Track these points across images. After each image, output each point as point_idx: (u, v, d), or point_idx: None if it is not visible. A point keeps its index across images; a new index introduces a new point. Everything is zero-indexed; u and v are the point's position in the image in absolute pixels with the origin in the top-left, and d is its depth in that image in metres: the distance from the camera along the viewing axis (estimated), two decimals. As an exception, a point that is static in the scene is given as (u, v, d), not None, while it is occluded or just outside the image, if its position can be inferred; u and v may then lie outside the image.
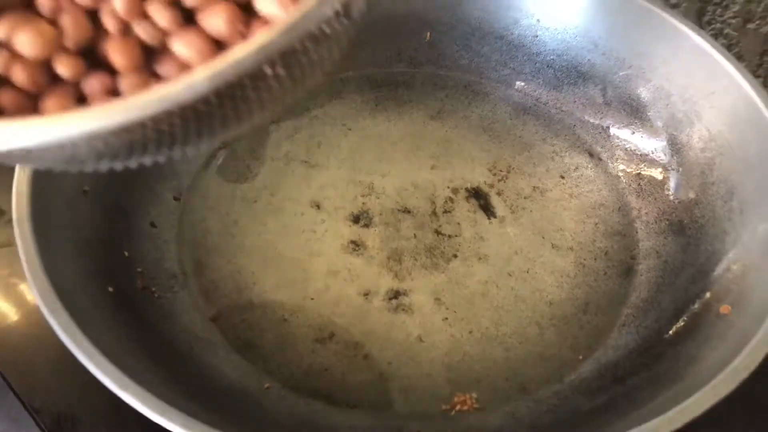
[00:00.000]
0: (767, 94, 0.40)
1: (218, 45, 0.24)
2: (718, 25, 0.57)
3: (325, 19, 0.23)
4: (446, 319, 0.40)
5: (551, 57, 0.50)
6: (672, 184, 0.44)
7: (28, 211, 0.34)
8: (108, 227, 0.40)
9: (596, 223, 0.45)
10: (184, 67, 0.24)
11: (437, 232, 0.44)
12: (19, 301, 0.43)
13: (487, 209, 0.46)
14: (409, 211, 0.45)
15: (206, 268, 0.42)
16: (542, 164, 0.48)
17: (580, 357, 0.39)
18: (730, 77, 0.41)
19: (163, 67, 0.24)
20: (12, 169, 0.36)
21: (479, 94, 0.51)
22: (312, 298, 0.41)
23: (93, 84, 0.24)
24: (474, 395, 0.37)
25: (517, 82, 0.51)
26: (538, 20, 0.49)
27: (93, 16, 0.24)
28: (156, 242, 0.42)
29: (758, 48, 0.56)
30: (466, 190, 0.46)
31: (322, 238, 0.44)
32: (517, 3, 0.50)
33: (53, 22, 0.24)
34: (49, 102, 0.23)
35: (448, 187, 0.46)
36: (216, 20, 0.23)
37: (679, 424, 0.28)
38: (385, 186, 0.46)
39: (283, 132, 0.49)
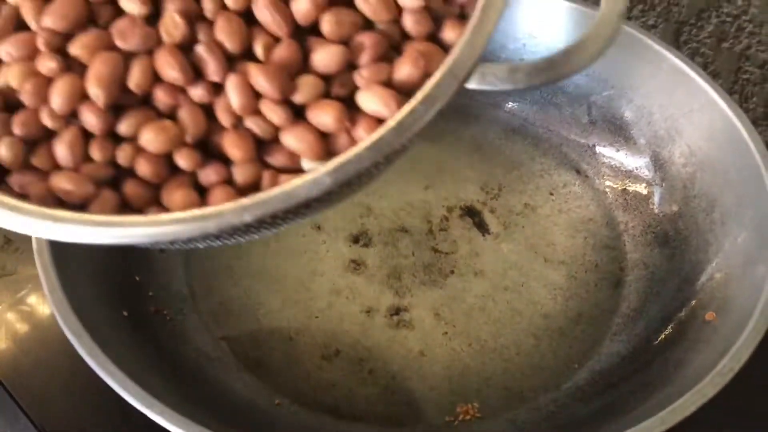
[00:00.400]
0: (742, 112, 0.42)
1: (324, 137, 0.26)
2: (694, 45, 0.59)
3: (431, 117, 0.24)
4: (446, 333, 0.42)
5: (537, 80, 0.52)
6: (656, 198, 0.47)
7: (47, 241, 0.36)
8: (119, 253, 0.42)
9: (585, 237, 0.47)
10: (294, 157, 0.26)
11: (434, 250, 0.46)
12: (27, 327, 0.44)
13: (481, 226, 0.48)
14: (406, 230, 0.47)
15: (214, 291, 0.44)
16: (532, 182, 0.50)
17: (575, 365, 0.41)
18: (707, 96, 0.44)
19: (275, 158, 0.26)
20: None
21: (470, 116, 0.53)
22: (317, 317, 0.43)
23: (210, 174, 0.26)
24: (475, 405, 0.39)
25: (506, 104, 0.53)
26: (523, 44, 0.52)
27: (207, 110, 0.26)
28: (165, 267, 0.44)
29: (733, 66, 0.59)
30: (460, 208, 0.48)
31: (323, 259, 0.46)
32: (503, 28, 0.52)
33: (171, 116, 0.26)
34: (175, 195, 0.25)
35: (443, 206, 0.48)
36: (325, 117, 0.25)
37: (669, 425, 0.30)
38: (382, 207, 0.48)
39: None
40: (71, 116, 0.26)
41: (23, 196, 0.25)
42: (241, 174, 0.26)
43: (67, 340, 0.33)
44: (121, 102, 0.26)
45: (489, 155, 0.51)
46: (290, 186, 0.24)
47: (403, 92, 0.25)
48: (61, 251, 0.36)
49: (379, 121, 0.25)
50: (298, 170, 0.26)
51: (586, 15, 0.48)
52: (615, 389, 0.38)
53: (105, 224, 0.24)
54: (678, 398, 0.31)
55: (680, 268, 0.42)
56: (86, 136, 0.26)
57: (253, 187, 0.26)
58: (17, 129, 0.26)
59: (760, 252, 0.38)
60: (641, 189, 0.48)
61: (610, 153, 0.49)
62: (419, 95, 0.25)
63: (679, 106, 0.45)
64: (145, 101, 0.26)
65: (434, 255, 0.46)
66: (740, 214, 0.40)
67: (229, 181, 0.26)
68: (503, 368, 0.41)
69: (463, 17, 0.27)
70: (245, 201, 0.24)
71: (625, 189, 0.48)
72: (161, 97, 0.26)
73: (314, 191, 0.24)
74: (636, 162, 0.48)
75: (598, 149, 0.50)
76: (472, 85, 0.25)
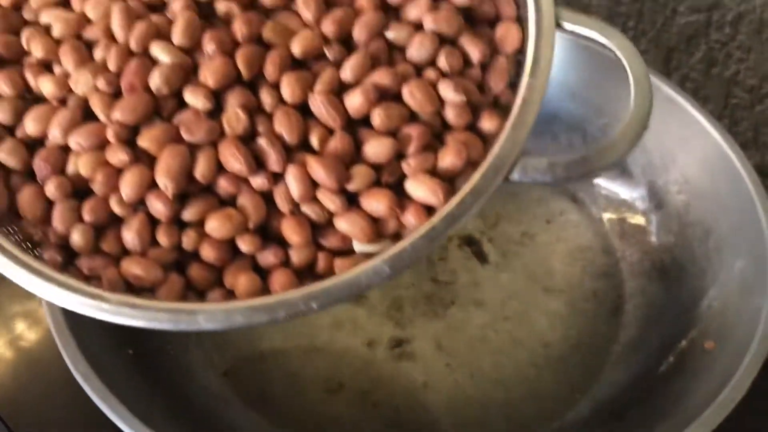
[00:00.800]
0: (733, 141, 0.43)
1: (375, 221, 0.27)
2: (684, 70, 0.60)
3: (478, 208, 0.27)
4: (448, 364, 0.43)
5: (532, 108, 0.53)
6: (652, 226, 0.47)
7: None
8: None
9: (584, 266, 0.47)
10: (346, 240, 0.27)
11: (434, 280, 0.47)
12: (21, 353, 0.44)
13: (480, 255, 0.48)
14: (406, 261, 0.48)
15: (217, 326, 0.44)
16: (529, 210, 0.50)
17: (577, 395, 0.41)
18: (699, 125, 0.44)
19: (329, 241, 0.28)
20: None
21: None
22: (319, 350, 0.43)
23: (269, 257, 0.28)
24: (479, 437, 0.40)
25: (502, 134, 0.54)
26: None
27: (266, 197, 0.28)
28: (167, 302, 0.44)
29: (722, 91, 0.60)
30: (459, 237, 0.49)
31: (325, 291, 0.46)
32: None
33: (232, 203, 0.27)
34: (240, 279, 0.27)
35: (442, 236, 0.49)
36: (377, 204, 0.27)
37: (675, 457, 0.31)
38: (381, 237, 0.49)
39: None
40: (138, 204, 0.27)
41: (91, 279, 0.27)
42: (298, 256, 0.28)
43: (61, 368, 0.33)
44: (185, 189, 0.27)
45: (486, 184, 0.52)
46: (354, 275, 0.26)
47: (446, 179, 0.28)
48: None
49: (427, 208, 0.27)
50: (350, 251, 0.28)
51: (574, 42, 0.48)
52: (618, 420, 0.38)
53: (182, 311, 0.26)
54: (682, 429, 0.32)
55: (678, 295, 0.43)
56: (153, 222, 0.27)
57: (309, 268, 0.28)
58: (87, 216, 0.27)
59: (756, 279, 0.38)
60: (637, 217, 0.48)
61: (605, 181, 0.50)
62: (467, 188, 0.27)
63: (672, 135, 0.46)
64: (208, 188, 0.28)
65: (434, 285, 0.46)
66: (735, 243, 0.41)
67: (286, 263, 0.28)
68: (505, 398, 0.41)
69: (497, 106, 0.29)
70: (312, 289, 0.26)
71: (621, 217, 0.49)
72: (225, 186, 0.27)
73: (375, 279, 0.26)
74: (631, 189, 0.49)
75: (594, 179, 0.50)
76: (514, 177, 0.28)
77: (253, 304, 0.26)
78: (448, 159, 0.27)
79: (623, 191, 0.49)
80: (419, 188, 0.27)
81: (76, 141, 0.27)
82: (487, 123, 0.28)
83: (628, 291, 0.46)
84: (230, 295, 0.27)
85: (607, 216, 0.49)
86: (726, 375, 0.34)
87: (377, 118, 0.27)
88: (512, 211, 0.50)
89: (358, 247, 0.28)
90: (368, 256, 0.27)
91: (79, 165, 0.27)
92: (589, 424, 0.39)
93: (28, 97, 0.29)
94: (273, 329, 0.44)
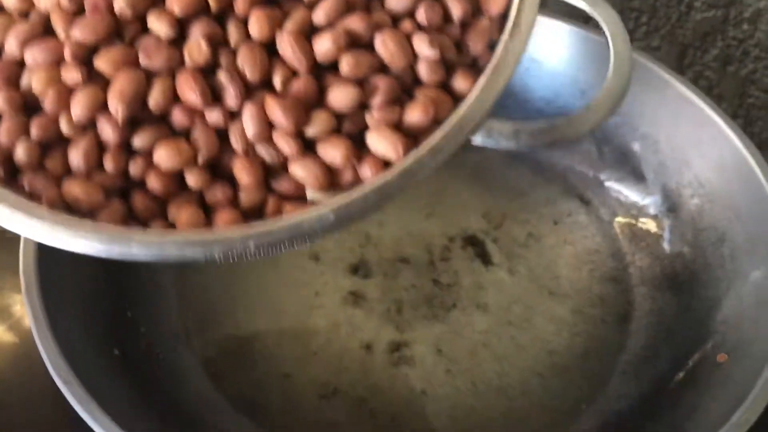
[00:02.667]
0: (751, 143, 0.41)
1: (331, 171, 0.27)
2: (698, 68, 0.59)
3: (435, 167, 0.26)
4: (449, 370, 0.41)
5: (540, 104, 0.51)
6: (665, 231, 0.45)
7: (36, 275, 0.35)
8: (111, 287, 0.40)
9: (591, 270, 0.46)
10: (299, 187, 0.27)
11: (435, 282, 0.45)
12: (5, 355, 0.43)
13: (484, 257, 0.46)
14: (407, 261, 0.46)
15: (208, 326, 0.42)
16: (535, 211, 0.49)
17: (583, 405, 0.40)
18: (716, 126, 0.43)
19: (281, 185, 0.27)
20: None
21: (472, 143, 0.52)
22: (315, 353, 0.42)
23: (217, 194, 0.27)
24: (480, 448, 0.38)
25: (509, 131, 0.52)
26: (526, 68, 0.51)
27: (220, 133, 0.27)
28: (157, 301, 0.43)
29: (738, 90, 0.58)
30: (462, 238, 0.47)
31: (322, 291, 0.44)
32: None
33: (185, 135, 0.27)
34: (182, 212, 0.27)
35: (444, 236, 0.47)
36: (333, 152, 0.26)
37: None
38: (382, 236, 0.47)
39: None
40: (88, 125, 0.27)
41: (32, 197, 0.26)
42: (247, 197, 0.27)
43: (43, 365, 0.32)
44: (137, 115, 0.27)
45: (492, 183, 0.50)
46: (296, 219, 0.25)
47: (410, 136, 0.27)
48: (50, 287, 0.35)
49: (385, 163, 0.26)
50: (302, 198, 0.27)
51: (588, 38, 0.47)
52: (625, 435, 0.37)
53: (116, 237, 0.25)
54: (693, 450, 0.30)
55: (689, 304, 0.41)
56: (100, 145, 0.27)
57: (257, 210, 0.27)
58: (35, 131, 0.26)
59: (773, 291, 0.37)
60: (647, 219, 0.46)
61: (614, 181, 0.48)
62: (426, 145, 0.26)
63: (686, 136, 0.44)
64: (161, 118, 0.27)
65: (435, 287, 0.45)
66: (752, 251, 0.39)
67: (234, 202, 0.27)
68: (508, 408, 0.40)
69: (474, 67, 0.28)
70: (252, 230, 0.25)
71: (630, 220, 0.47)
72: (178, 117, 0.27)
73: (318, 226, 0.25)
74: (642, 191, 0.47)
75: (603, 177, 0.49)
76: (476, 140, 0.27)
77: (188, 237, 0.25)
78: (414, 115, 0.26)
79: (634, 194, 0.47)
80: (380, 141, 0.26)
81: (32, 55, 0.27)
82: (460, 83, 0.27)
83: (637, 297, 0.44)
84: (171, 228, 0.27)
85: (617, 219, 0.48)
86: (741, 392, 0.32)
87: (345, 65, 0.26)
88: (518, 211, 0.49)
89: (311, 194, 0.27)
90: None
91: (33, 80, 0.27)
92: (595, 438, 0.38)
93: None
94: (267, 330, 0.42)
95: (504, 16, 0.28)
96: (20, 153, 0.26)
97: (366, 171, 0.26)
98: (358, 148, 0.27)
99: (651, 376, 0.40)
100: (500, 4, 0.28)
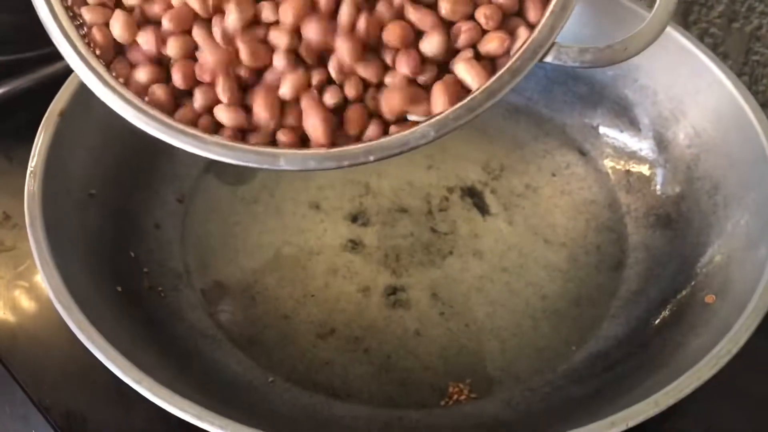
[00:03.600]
0: (749, 93, 0.41)
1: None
2: (704, 25, 0.58)
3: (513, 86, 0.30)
4: (443, 313, 0.42)
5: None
6: (659, 179, 0.46)
7: (40, 214, 0.36)
8: (114, 229, 0.41)
9: (587, 219, 0.46)
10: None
11: (433, 230, 0.46)
12: (25, 302, 0.44)
13: (482, 207, 0.47)
14: (405, 210, 0.47)
15: (210, 268, 0.44)
16: (534, 162, 0.49)
17: (573, 347, 0.40)
18: (714, 75, 0.43)
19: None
20: (16, 175, 0.38)
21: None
22: (312, 295, 0.43)
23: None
24: (470, 385, 0.39)
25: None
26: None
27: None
28: (160, 243, 0.44)
29: (743, 47, 0.58)
30: (461, 189, 0.48)
31: (321, 238, 0.45)
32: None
33: None
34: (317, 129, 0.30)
35: (443, 186, 0.48)
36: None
37: (663, 407, 0.30)
38: (381, 186, 0.48)
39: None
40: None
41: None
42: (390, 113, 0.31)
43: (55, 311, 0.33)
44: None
45: (492, 135, 0.51)
46: (404, 135, 0.29)
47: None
48: (54, 223, 0.36)
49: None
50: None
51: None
52: (611, 371, 0.37)
53: (267, 153, 0.30)
54: (673, 380, 0.31)
55: (681, 250, 0.42)
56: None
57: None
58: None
59: (761, 235, 0.37)
60: (644, 170, 0.47)
61: (613, 133, 0.49)
62: (505, 67, 0.29)
63: (684, 87, 0.45)
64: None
65: (433, 235, 0.46)
66: (743, 197, 0.40)
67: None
68: (499, 349, 0.40)
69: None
70: (371, 145, 0.29)
71: (628, 170, 0.48)
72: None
73: (422, 141, 0.29)
74: (639, 143, 0.47)
75: (602, 129, 0.49)
76: (548, 59, 0.30)
77: (324, 153, 0.29)
78: (492, 44, 0.30)
79: (632, 142, 0.48)
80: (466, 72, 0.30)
81: None
82: (532, 13, 0.30)
83: (631, 245, 0.45)
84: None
85: (613, 168, 0.48)
86: (724, 328, 0.33)
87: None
88: (517, 163, 0.49)
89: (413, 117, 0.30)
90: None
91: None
92: (582, 376, 0.38)
93: None
94: (267, 273, 0.43)
95: None
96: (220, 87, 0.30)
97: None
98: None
99: (639, 317, 0.40)
100: None
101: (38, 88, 0.49)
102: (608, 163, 0.48)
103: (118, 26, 0.31)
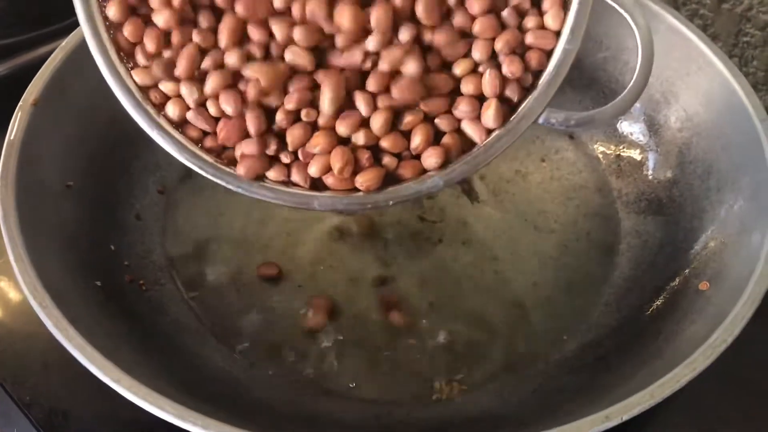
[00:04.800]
0: (741, 75, 0.41)
1: None
2: (694, 6, 0.57)
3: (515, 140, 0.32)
4: (432, 303, 0.41)
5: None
6: (650, 164, 0.45)
7: (14, 208, 0.34)
8: (93, 221, 0.40)
9: (577, 205, 0.45)
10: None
11: (421, 218, 0.45)
12: (4, 298, 0.43)
13: (471, 194, 0.46)
14: (393, 198, 0.46)
15: (192, 260, 0.42)
16: (523, 148, 0.48)
17: (564, 336, 0.40)
18: (705, 57, 0.42)
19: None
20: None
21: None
22: (299, 286, 0.42)
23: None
24: (460, 377, 0.38)
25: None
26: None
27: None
28: (142, 235, 0.43)
29: (733, 28, 0.57)
30: (449, 175, 0.47)
31: (307, 227, 0.44)
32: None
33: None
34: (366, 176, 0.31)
35: (431, 173, 0.47)
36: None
37: (659, 399, 0.29)
38: (368, 174, 0.47)
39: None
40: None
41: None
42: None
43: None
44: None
45: (479, 120, 0.50)
46: (418, 184, 0.31)
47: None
48: (29, 217, 0.35)
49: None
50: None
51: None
52: (604, 361, 0.37)
53: (303, 196, 0.31)
54: (668, 371, 0.30)
55: (674, 236, 0.41)
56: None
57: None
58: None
59: (756, 220, 0.36)
60: (635, 155, 0.46)
61: (603, 118, 0.48)
62: (502, 129, 0.31)
63: (675, 69, 0.44)
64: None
65: (421, 223, 0.45)
66: (736, 181, 0.39)
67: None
68: (490, 339, 0.40)
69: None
70: (391, 195, 0.31)
71: (618, 155, 0.47)
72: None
73: (433, 189, 0.31)
74: (630, 127, 0.46)
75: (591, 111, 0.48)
76: (539, 121, 0.32)
77: (351, 199, 0.31)
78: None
79: (622, 126, 0.47)
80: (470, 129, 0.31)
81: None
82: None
83: (622, 231, 0.44)
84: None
85: (604, 152, 0.47)
86: (719, 317, 0.32)
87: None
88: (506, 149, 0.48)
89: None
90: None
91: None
92: (575, 366, 0.38)
93: None
94: (252, 265, 0.42)
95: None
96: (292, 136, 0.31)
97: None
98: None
99: (632, 305, 0.40)
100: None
101: (10, 77, 0.48)
102: (599, 148, 0.48)
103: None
